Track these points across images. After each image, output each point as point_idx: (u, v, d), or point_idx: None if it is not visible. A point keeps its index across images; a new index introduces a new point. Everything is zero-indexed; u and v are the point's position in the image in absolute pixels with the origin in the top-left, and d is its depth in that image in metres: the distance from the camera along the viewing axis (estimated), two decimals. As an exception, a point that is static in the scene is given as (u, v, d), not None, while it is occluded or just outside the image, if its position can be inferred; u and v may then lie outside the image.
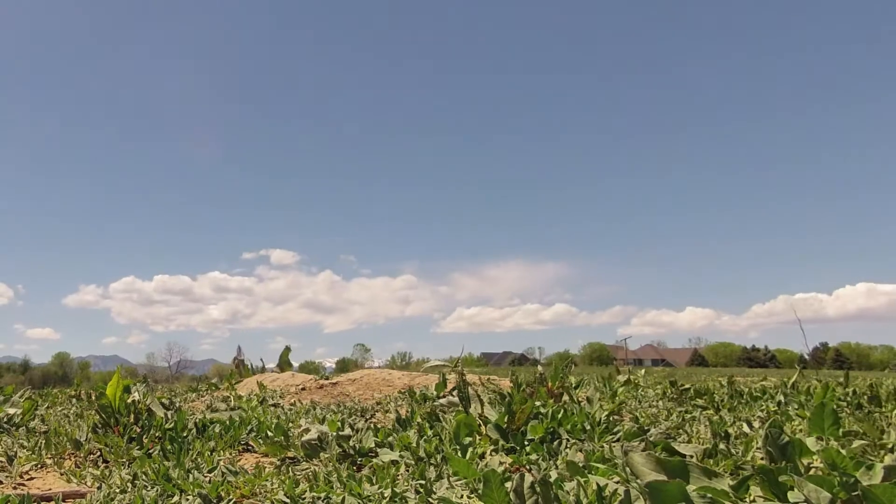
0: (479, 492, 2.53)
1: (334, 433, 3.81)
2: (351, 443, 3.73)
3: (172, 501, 2.76)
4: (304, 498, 2.72)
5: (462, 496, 2.68)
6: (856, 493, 1.86)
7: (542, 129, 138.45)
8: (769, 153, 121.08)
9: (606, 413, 4.50)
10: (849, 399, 5.44)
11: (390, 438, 3.93)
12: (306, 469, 3.39)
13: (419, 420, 4.62)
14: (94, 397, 5.84)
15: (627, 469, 2.21)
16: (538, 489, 2.13)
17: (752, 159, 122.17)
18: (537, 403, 4.69)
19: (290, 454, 3.86)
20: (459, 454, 3.42)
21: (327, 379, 9.39)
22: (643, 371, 10.10)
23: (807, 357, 37.45)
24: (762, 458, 2.67)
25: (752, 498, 2.29)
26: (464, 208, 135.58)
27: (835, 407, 3.83)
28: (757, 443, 3.14)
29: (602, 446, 3.48)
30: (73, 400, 8.58)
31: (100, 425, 4.52)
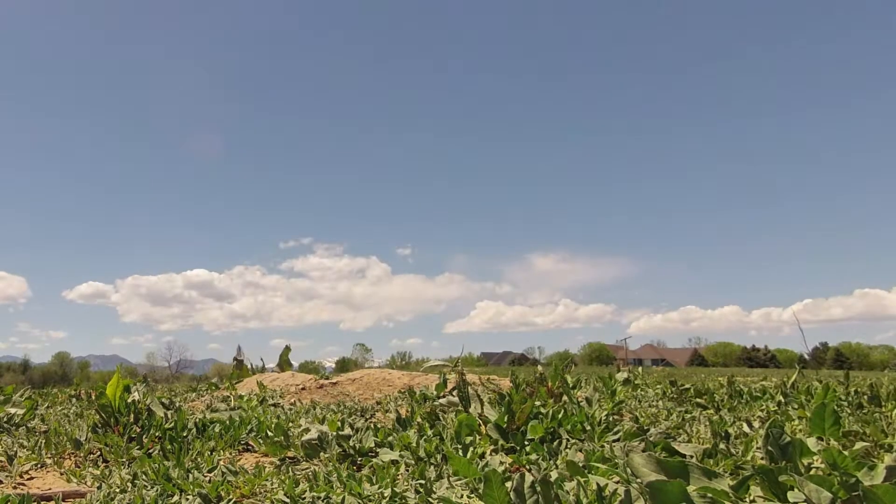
0: (480, 491, 2.53)
1: (334, 433, 3.80)
2: (351, 442, 3.73)
3: (172, 501, 2.76)
4: (304, 498, 2.72)
5: (462, 496, 2.68)
6: (857, 493, 1.85)
7: (599, 127, 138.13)
8: (846, 142, 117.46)
9: (606, 413, 4.50)
10: (849, 399, 5.44)
11: (390, 438, 3.93)
12: (306, 469, 3.38)
13: (419, 420, 4.62)
14: (94, 397, 5.84)
15: (628, 469, 2.21)
16: (538, 489, 2.13)
17: (831, 149, 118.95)
18: (537, 403, 4.69)
19: (290, 454, 3.86)
20: (460, 454, 3.42)
21: (327, 379, 9.39)
22: (640, 369, 10.12)
23: (807, 357, 37.49)
24: (762, 458, 2.67)
25: (752, 498, 2.29)
26: (523, 203, 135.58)
27: (835, 407, 3.83)
28: (757, 443, 3.14)
29: (602, 446, 3.48)
30: (73, 399, 8.58)
31: (100, 425, 4.52)
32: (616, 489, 2.31)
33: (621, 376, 7.94)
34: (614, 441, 3.74)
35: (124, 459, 3.74)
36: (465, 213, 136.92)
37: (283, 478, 3.06)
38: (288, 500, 2.70)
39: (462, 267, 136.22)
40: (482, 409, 4.41)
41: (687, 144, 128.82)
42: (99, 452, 4.00)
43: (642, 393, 7.20)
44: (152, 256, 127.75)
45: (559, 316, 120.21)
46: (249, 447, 4.31)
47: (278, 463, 3.68)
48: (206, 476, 3.21)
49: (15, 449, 4.04)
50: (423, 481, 2.79)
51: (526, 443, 3.75)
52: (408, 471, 3.19)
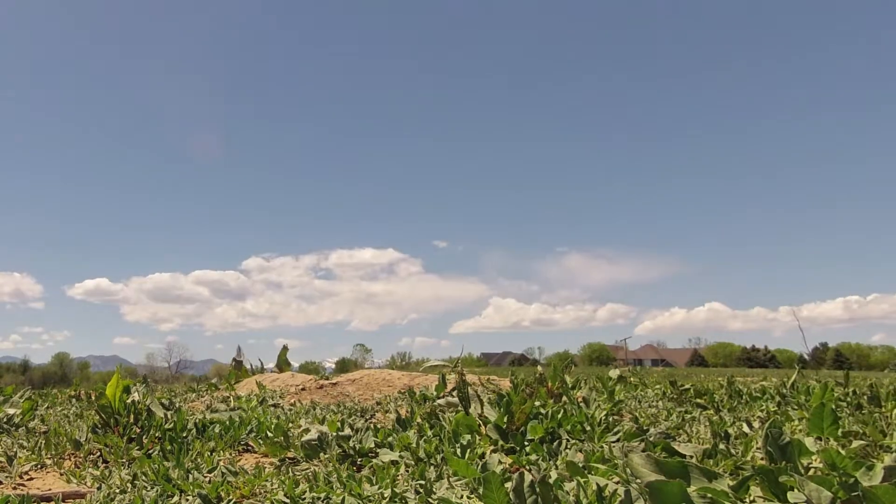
0: (479, 492, 2.53)
1: (334, 433, 3.81)
2: (351, 443, 3.73)
3: (172, 502, 2.76)
4: (304, 498, 2.72)
5: (462, 496, 2.68)
6: (856, 493, 1.86)
7: (648, 128, 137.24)
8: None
9: (606, 413, 4.50)
10: (848, 399, 5.44)
11: (390, 439, 3.93)
12: (306, 469, 3.39)
13: (419, 420, 4.62)
14: (93, 397, 5.83)
15: (627, 470, 2.21)
16: (538, 489, 2.13)
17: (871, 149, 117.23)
18: (537, 404, 4.69)
19: (289, 454, 3.86)
20: (459, 454, 3.42)
21: (327, 379, 9.39)
22: (639, 369, 10.10)
23: (806, 357, 37.53)
24: (762, 459, 2.68)
25: (752, 498, 2.29)
26: (559, 201, 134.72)
27: (834, 407, 3.83)
28: (757, 443, 3.14)
29: (602, 446, 3.48)
30: (73, 400, 8.57)
31: (99, 425, 4.52)
32: (616, 489, 2.31)
33: (615, 373, 7.89)
34: (614, 441, 3.74)
35: (124, 460, 3.74)
36: (503, 209, 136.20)
37: (283, 478, 3.06)
38: (288, 501, 2.70)
39: (495, 263, 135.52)
40: (482, 409, 4.41)
41: (738, 143, 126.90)
42: (99, 453, 4.00)
43: (642, 393, 7.20)
44: (159, 256, 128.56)
45: (582, 315, 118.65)
46: (249, 448, 4.31)
47: (278, 463, 3.69)
48: (205, 476, 3.21)
49: (15, 449, 4.04)
50: (423, 482, 2.80)
51: (525, 443, 3.75)
52: (408, 471, 3.19)
